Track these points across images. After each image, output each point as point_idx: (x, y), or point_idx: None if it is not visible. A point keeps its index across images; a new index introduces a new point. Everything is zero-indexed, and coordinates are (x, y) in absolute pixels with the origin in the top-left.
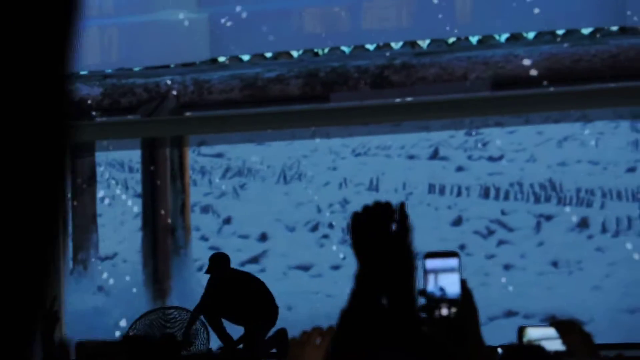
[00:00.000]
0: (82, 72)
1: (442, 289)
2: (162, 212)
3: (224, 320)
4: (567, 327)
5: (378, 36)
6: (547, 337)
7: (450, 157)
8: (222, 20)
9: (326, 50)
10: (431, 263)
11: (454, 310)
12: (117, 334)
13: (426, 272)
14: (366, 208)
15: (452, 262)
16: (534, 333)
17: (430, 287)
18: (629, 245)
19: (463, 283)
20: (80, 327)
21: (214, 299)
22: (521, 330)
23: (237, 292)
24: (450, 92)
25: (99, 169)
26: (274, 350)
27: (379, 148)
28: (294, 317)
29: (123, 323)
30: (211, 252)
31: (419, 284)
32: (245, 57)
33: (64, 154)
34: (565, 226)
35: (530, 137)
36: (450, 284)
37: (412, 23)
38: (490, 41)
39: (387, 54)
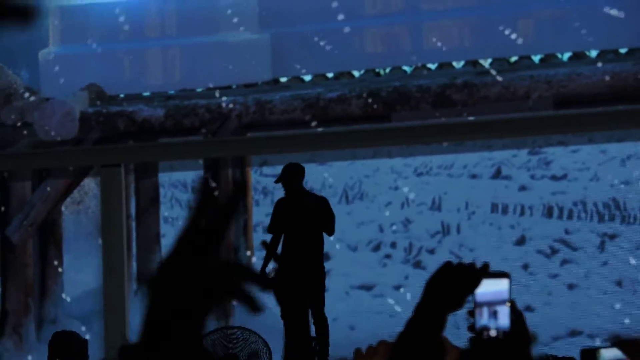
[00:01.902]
0: (145, 94)
1: (492, 322)
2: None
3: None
4: (633, 347)
5: (439, 55)
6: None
7: (513, 176)
8: (284, 41)
9: (387, 70)
10: (481, 294)
11: (502, 333)
12: None
13: (475, 304)
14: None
15: (502, 285)
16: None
17: (481, 321)
18: None
19: (513, 306)
20: None
21: (276, 217)
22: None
23: (293, 212)
24: (512, 111)
25: (162, 190)
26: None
27: (441, 167)
28: (357, 336)
29: None
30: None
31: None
32: (307, 77)
33: None
34: (630, 245)
35: (593, 155)
36: (501, 316)
37: (473, 42)
38: (553, 60)
39: (449, 72)
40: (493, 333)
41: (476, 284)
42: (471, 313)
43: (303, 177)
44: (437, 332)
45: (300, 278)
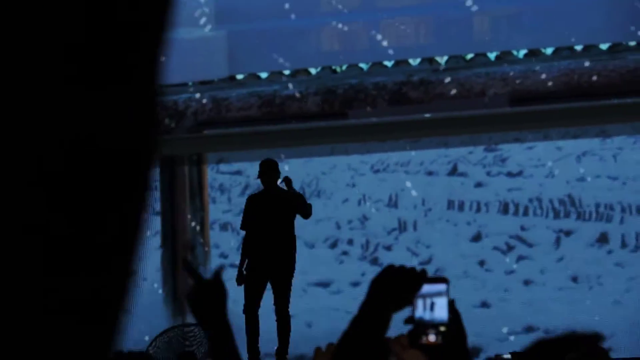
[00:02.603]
0: None
1: (430, 314)
2: (182, 230)
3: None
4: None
5: (396, 53)
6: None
7: (469, 173)
8: (240, 38)
9: (344, 67)
10: (421, 289)
11: (440, 336)
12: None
13: (415, 297)
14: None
15: (441, 287)
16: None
17: (419, 313)
18: None
19: (451, 304)
20: None
21: (248, 213)
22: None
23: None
24: (468, 108)
25: None
26: None
27: (398, 164)
28: (314, 333)
29: (142, 340)
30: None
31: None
32: (264, 75)
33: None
34: (585, 241)
35: (549, 152)
36: (439, 309)
37: (430, 39)
38: (509, 57)
39: (406, 70)
40: (432, 338)
41: (418, 285)
42: (411, 334)
43: (279, 174)
44: (380, 331)
45: (266, 274)
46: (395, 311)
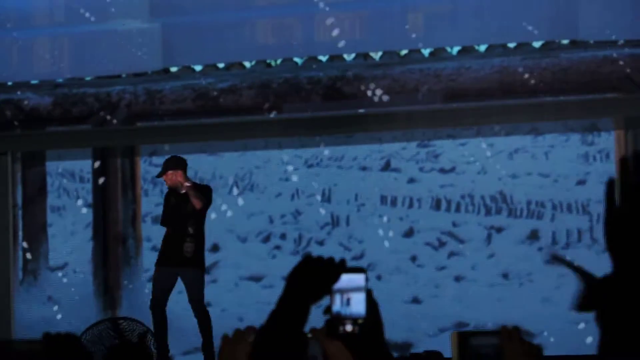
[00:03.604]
0: (33, 82)
1: (347, 308)
2: (113, 222)
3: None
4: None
5: (330, 48)
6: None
7: (402, 168)
8: (175, 31)
9: (279, 62)
10: (339, 283)
11: (357, 327)
12: None
13: (332, 291)
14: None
15: (359, 279)
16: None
17: (336, 307)
18: (578, 258)
19: (369, 294)
20: (29, 337)
21: (166, 209)
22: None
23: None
24: (402, 104)
25: (50, 179)
26: None
27: (332, 159)
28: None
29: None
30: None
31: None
32: (198, 68)
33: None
34: (516, 238)
35: (481, 149)
36: (356, 303)
37: (364, 35)
38: (442, 54)
39: (340, 65)
40: (349, 328)
41: (336, 276)
42: (328, 325)
43: (185, 170)
44: (299, 322)
45: (174, 271)
46: (314, 303)
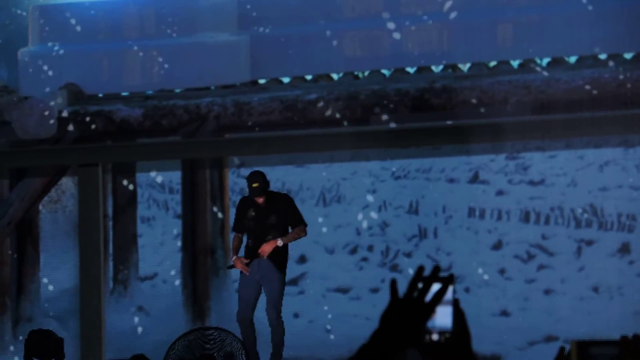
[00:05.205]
0: (124, 94)
1: (434, 318)
2: (202, 233)
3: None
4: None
5: (419, 59)
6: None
7: (491, 180)
8: (263, 42)
9: (366, 73)
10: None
11: (443, 337)
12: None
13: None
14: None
15: (447, 292)
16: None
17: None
18: None
19: (456, 304)
20: (119, 347)
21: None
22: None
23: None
24: (490, 115)
25: (140, 190)
26: None
27: (419, 171)
28: (333, 340)
29: (162, 343)
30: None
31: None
32: (286, 79)
33: None
34: (606, 251)
35: (571, 161)
36: (443, 313)
37: (453, 46)
38: (532, 65)
39: (428, 76)
40: (435, 337)
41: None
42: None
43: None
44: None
45: (257, 280)
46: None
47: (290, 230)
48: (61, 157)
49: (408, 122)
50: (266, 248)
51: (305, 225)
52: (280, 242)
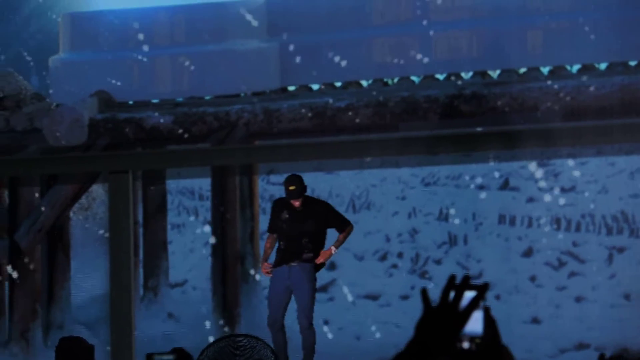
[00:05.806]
0: (154, 101)
1: (465, 326)
2: (232, 240)
3: None
4: None
5: (448, 66)
6: None
7: (521, 187)
8: (292, 50)
9: (396, 80)
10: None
11: (474, 344)
12: None
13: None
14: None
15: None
16: None
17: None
18: None
19: (486, 311)
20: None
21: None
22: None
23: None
24: (520, 122)
25: (170, 197)
26: None
27: (449, 178)
28: (362, 346)
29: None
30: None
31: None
32: (315, 86)
33: None
34: (638, 258)
35: (602, 168)
36: (474, 321)
37: (482, 52)
38: (562, 72)
39: (458, 83)
40: (466, 345)
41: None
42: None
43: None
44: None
45: (288, 286)
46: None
47: (330, 235)
48: (91, 164)
49: (437, 128)
50: (322, 258)
51: (351, 223)
52: (334, 250)
